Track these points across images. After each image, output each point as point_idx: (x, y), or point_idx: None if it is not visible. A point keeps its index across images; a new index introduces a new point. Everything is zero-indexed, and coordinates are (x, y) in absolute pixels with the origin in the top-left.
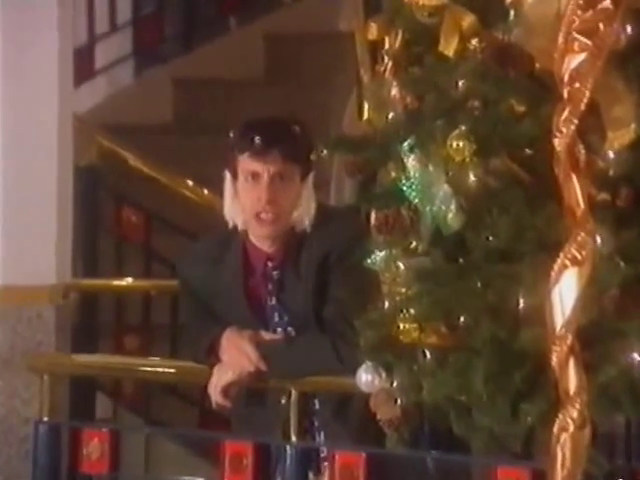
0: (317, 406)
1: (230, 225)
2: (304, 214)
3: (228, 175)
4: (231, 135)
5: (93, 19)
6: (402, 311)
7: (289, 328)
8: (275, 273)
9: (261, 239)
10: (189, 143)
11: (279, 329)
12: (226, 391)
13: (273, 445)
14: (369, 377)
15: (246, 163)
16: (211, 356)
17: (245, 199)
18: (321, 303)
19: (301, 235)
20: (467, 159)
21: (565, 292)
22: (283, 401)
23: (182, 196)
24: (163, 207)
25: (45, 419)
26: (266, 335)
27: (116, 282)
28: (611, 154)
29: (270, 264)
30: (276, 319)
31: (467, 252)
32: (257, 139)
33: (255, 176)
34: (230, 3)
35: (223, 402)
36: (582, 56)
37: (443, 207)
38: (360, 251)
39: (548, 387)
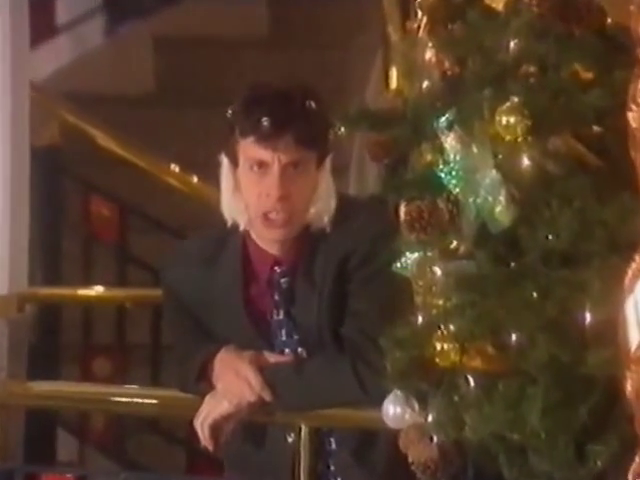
0: (333, 445)
1: (229, 224)
2: (323, 211)
3: (226, 161)
4: (230, 112)
5: None
6: (439, 327)
7: (299, 349)
8: (284, 281)
9: (268, 242)
10: (175, 118)
11: (287, 350)
12: (218, 426)
13: None
14: (398, 410)
15: (251, 149)
16: (202, 383)
17: (249, 194)
18: (339, 317)
19: (318, 235)
20: (520, 138)
21: None
22: (291, 439)
23: (166, 185)
24: (142, 198)
25: None
26: (270, 356)
27: (83, 291)
28: None
29: (278, 269)
30: (283, 337)
31: (520, 254)
32: (265, 121)
33: (262, 165)
34: None
35: (210, 440)
36: None
37: (490, 198)
38: (387, 253)
39: (621, 422)
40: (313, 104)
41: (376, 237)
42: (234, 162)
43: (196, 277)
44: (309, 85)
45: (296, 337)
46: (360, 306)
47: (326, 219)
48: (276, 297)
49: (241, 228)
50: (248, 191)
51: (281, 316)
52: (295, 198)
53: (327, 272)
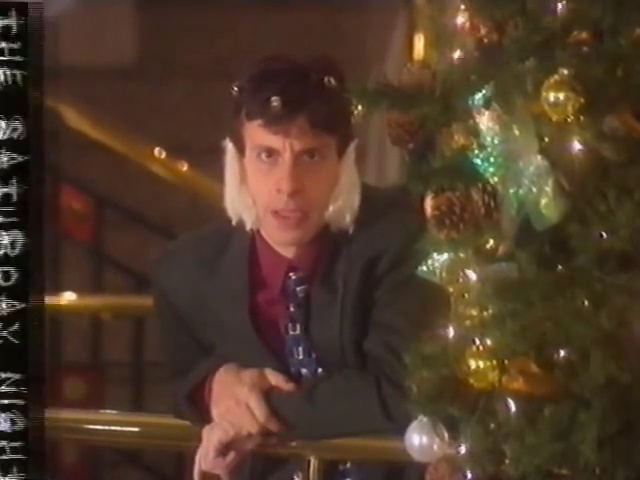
0: None
1: (234, 222)
2: (344, 209)
3: (230, 147)
4: (235, 88)
5: None
6: (474, 342)
7: (319, 369)
8: (300, 289)
9: (282, 244)
10: (160, 93)
11: (304, 370)
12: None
13: None
14: (424, 439)
15: (258, 135)
16: (194, 406)
17: (257, 188)
18: (364, 331)
19: (339, 236)
20: (570, 118)
21: None
22: (298, 479)
23: (149, 173)
24: (120, 189)
25: None
26: (273, 375)
27: (51, 299)
28: None
29: (294, 276)
30: (300, 355)
31: (570, 255)
32: (275, 100)
33: (272, 154)
34: None
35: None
36: None
37: (535, 189)
38: (421, 254)
39: None
40: (333, 80)
41: (410, 236)
42: (240, 149)
43: (192, 282)
44: (328, 57)
45: (314, 355)
46: (387, 317)
47: (348, 218)
48: (292, 309)
49: (248, 227)
50: (255, 184)
51: (298, 331)
52: (311, 193)
53: (350, 278)
